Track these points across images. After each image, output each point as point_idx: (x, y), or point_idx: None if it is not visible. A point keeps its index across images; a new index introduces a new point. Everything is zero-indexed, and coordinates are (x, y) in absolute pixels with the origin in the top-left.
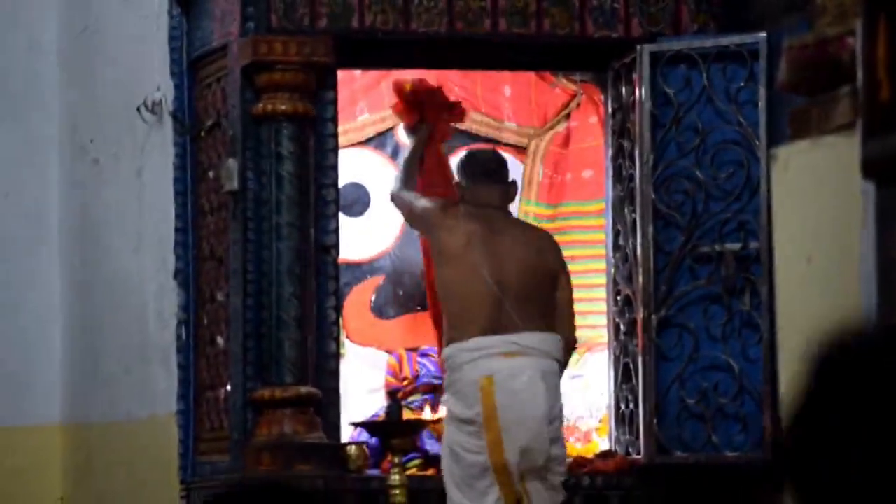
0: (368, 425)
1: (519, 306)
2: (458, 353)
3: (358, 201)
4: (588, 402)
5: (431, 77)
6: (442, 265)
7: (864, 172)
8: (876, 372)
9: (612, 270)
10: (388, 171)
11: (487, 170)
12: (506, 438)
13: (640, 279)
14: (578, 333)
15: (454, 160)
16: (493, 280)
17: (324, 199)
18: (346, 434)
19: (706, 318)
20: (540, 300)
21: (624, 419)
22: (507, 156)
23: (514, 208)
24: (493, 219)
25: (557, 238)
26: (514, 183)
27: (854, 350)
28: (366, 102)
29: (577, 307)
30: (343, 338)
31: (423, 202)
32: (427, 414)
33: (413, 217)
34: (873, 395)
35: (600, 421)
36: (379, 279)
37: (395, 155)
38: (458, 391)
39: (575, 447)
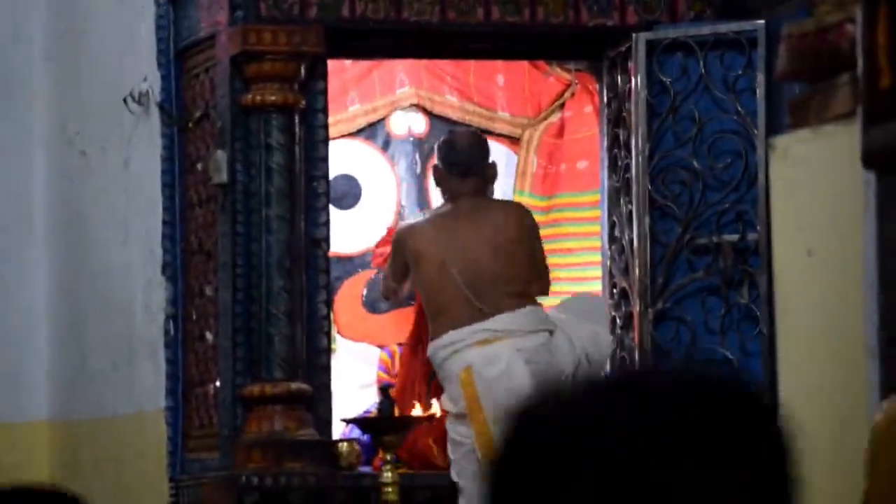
0: (360, 422)
1: (489, 291)
2: (436, 350)
3: (349, 193)
4: None
5: (423, 66)
6: (415, 272)
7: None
8: (569, 430)
9: (608, 263)
10: (379, 163)
11: (461, 163)
12: (493, 427)
13: (637, 271)
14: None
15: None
16: (459, 270)
17: (314, 192)
18: (338, 431)
19: (704, 311)
20: (512, 277)
21: None
22: (501, 147)
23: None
24: (459, 210)
25: (552, 230)
26: (492, 166)
27: (551, 407)
28: (356, 93)
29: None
30: (334, 333)
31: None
32: (418, 410)
33: (391, 265)
34: (565, 453)
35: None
36: (370, 273)
37: (386, 146)
38: (445, 388)
39: None
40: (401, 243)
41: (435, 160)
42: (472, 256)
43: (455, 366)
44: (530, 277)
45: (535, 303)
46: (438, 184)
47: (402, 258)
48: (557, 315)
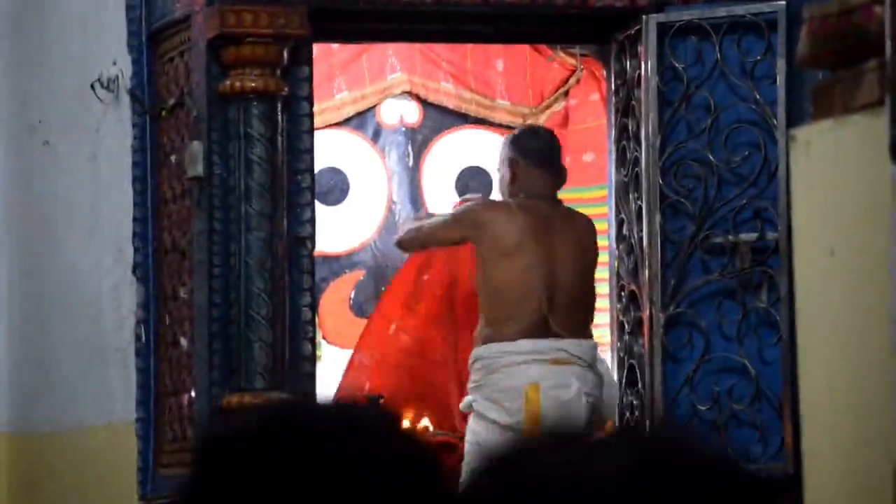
0: None
1: (568, 310)
2: (497, 353)
3: (335, 188)
4: None
5: (416, 51)
6: (491, 263)
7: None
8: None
9: (616, 263)
10: (368, 155)
11: (544, 156)
12: None
13: (646, 273)
14: None
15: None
16: (545, 281)
17: (298, 186)
18: None
19: (719, 316)
20: (585, 303)
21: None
22: (500, 138)
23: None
24: (546, 212)
25: None
26: (564, 168)
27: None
28: (344, 79)
29: None
30: (319, 339)
31: (457, 210)
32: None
33: (448, 228)
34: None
35: (604, 428)
36: (359, 274)
37: (376, 137)
38: (492, 396)
39: None
40: (479, 223)
41: (508, 152)
42: (557, 269)
43: (518, 378)
44: (594, 305)
45: (592, 336)
46: (513, 179)
47: (469, 235)
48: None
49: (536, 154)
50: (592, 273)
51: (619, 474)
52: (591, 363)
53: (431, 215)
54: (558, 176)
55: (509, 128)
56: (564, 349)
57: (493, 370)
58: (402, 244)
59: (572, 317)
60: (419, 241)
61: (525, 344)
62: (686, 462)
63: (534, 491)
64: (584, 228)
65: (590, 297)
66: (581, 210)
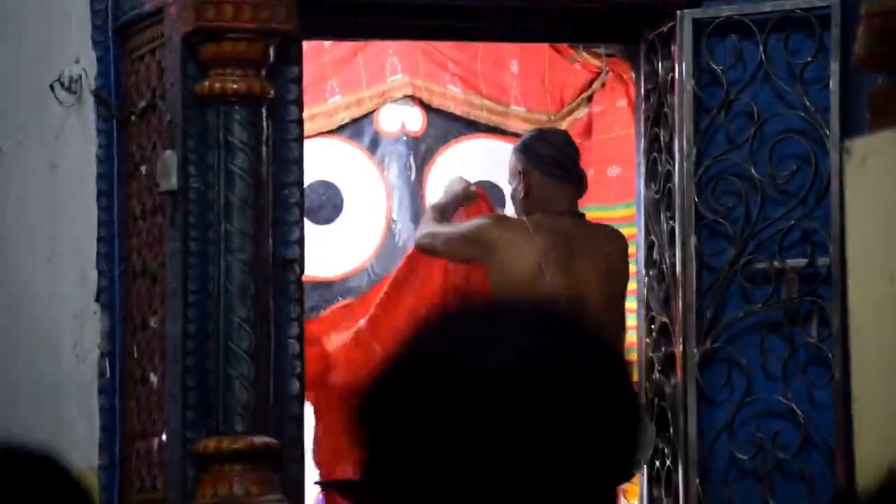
0: (340, 485)
1: None
2: None
3: (327, 204)
4: None
5: (419, 49)
6: (503, 292)
7: None
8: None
9: (645, 292)
10: (365, 167)
11: (561, 164)
12: None
13: (680, 303)
14: None
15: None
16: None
17: (285, 202)
18: (312, 496)
19: (762, 353)
20: (615, 329)
21: (659, 478)
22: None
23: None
24: (567, 231)
25: None
26: (585, 177)
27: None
28: (338, 81)
29: None
30: None
31: (469, 222)
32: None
33: (459, 244)
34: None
35: (630, 480)
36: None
37: (373, 147)
38: None
39: None
40: (488, 243)
41: (518, 162)
42: (589, 298)
43: None
44: (625, 337)
45: None
46: (526, 193)
47: (483, 255)
48: None
49: (552, 162)
50: (623, 299)
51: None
52: None
53: (445, 214)
54: (579, 186)
55: None
56: None
57: None
58: (420, 248)
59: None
60: (431, 249)
61: None
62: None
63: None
64: (613, 247)
65: (620, 328)
66: None
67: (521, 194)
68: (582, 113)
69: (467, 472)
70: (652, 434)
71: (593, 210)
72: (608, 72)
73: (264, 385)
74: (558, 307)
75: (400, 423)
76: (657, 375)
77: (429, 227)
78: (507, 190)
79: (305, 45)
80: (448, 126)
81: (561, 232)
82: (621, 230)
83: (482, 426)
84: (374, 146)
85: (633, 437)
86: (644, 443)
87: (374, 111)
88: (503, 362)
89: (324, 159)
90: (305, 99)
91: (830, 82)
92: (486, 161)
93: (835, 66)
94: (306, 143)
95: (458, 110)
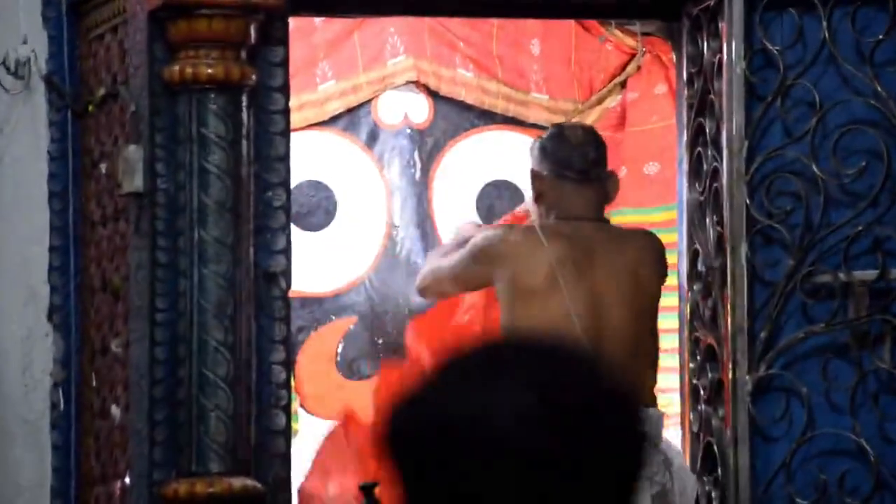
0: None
1: (620, 365)
2: None
3: (318, 208)
4: None
5: (425, 27)
6: (512, 308)
7: None
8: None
9: (687, 309)
10: (362, 165)
11: (579, 166)
12: None
13: (729, 322)
14: None
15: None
16: (587, 330)
17: (269, 206)
18: None
19: (826, 380)
20: (644, 357)
21: None
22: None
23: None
24: (587, 238)
25: None
26: (613, 177)
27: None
28: (330, 64)
29: None
30: (296, 407)
31: (471, 241)
32: None
33: (464, 268)
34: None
35: None
36: (348, 321)
37: (372, 141)
38: None
39: None
40: (498, 258)
41: (531, 163)
42: (604, 312)
43: None
44: (658, 358)
45: (656, 402)
46: (537, 197)
47: (490, 275)
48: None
49: (567, 164)
50: (655, 314)
51: (520, 408)
52: (655, 440)
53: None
54: (604, 188)
55: (548, 129)
56: None
57: None
58: (423, 291)
59: (626, 375)
60: (437, 287)
61: None
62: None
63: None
64: (644, 255)
65: (652, 348)
66: None
67: (533, 199)
68: (614, 101)
69: None
70: (693, 480)
71: (628, 214)
72: (645, 53)
73: (244, 419)
74: (567, 348)
75: (403, 488)
76: (703, 406)
77: (431, 261)
78: (528, 191)
79: (293, 22)
80: (458, 117)
81: (578, 239)
82: (660, 236)
83: (481, 496)
84: (372, 140)
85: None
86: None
87: (372, 100)
88: (501, 430)
89: (314, 156)
90: (293, 86)
91: None
92: (503, 157)
93: None
94: (294, 136)
95: (469, 98)
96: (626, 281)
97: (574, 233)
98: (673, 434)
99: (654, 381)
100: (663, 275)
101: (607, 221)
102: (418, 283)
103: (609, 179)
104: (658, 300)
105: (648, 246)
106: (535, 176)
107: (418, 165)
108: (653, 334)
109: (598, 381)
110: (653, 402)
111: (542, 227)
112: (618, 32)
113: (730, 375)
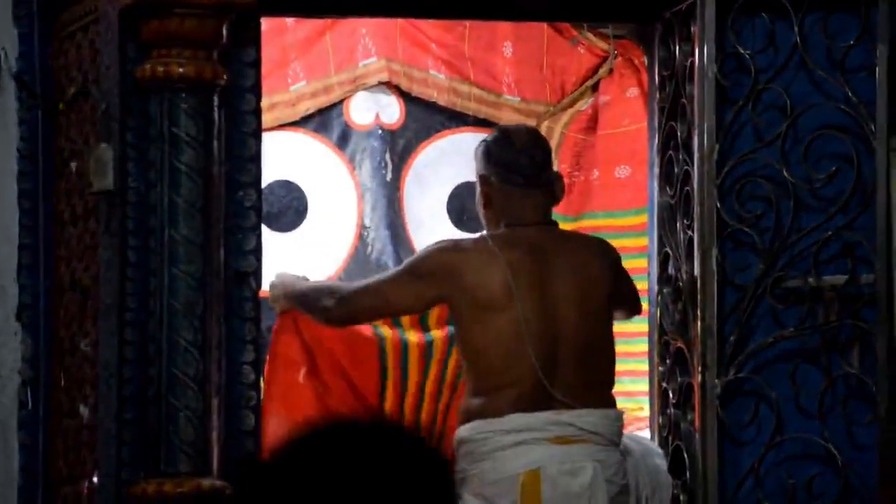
0: None
1: (576, 371)
2: (485, 434)
3: (289, 209)
4: None
5: (397, 28)
6: (468, 321)
7: None
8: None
9: (657, 312)
10: (333, 165)
11: (525, 169)
12: None
13: (698, 326)
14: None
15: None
16: (542, 336)
17: (240, 205)
18: None
19: (795, 385)
20: (600, 359)
21: None
22: None
23: None
24: (537, 243)
25: None
26: (559, 178)
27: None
28: (302, 65)
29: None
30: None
31: (410, 259)
32: None
33: (403, 287)
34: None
35: None
36: None
37: (343, 142)
38: (481, 491)
39: None
40: (445, 272)
41: (477, 168)
42: (559, 316)
43: (513, 462)
44: (614, 358)
45: (615, 403)
46: (486, 203)
47: (439, 291)
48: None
49: (513, 167)
50: (610, 316)
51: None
52: (614, 440)
53: (305, 278)
54: (551, 190)
55: None
56: (572, 423)
57: (479, 457)
58: (334, 319)
59: (583, 379)
60: (356, 313)
61: (518, 419)
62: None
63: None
64: (593, 256)
65: (607, 349)
66: (614, 242)
67: (482, 204)
68: (586, 104)
69: None
70: (668, 482)
71: (599, 217)
72: (617, 56)
73: (214, 419)
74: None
75: None
76: (672, 410)
77: (324, 293)
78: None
79: (265, 22)
80: (430, 118)
81: (528, 246)
82: (631, 239)
83: None
84: (343, 141)
85: None
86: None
87: (343, 100)
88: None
89: (285, 156)
90: (265, 86)
91: (877, 70)
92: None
93: (882, 51)
94: (265, 136)
95: (441, 100)
96: (579, 283)
97: (523, 240)
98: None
99: (612, 382)
100: (615, 277)
101: (556, 224)
102: (326, 311)
103: (556, 181)
104: (611, 299)
105: (600, 248)
106: (484, 181)
107: (390, 166)
108: (609, 338)
109: (402, 466)
110: (610, 402)
111: (493, 236)
112: (590, 35)
113: (699, 379)
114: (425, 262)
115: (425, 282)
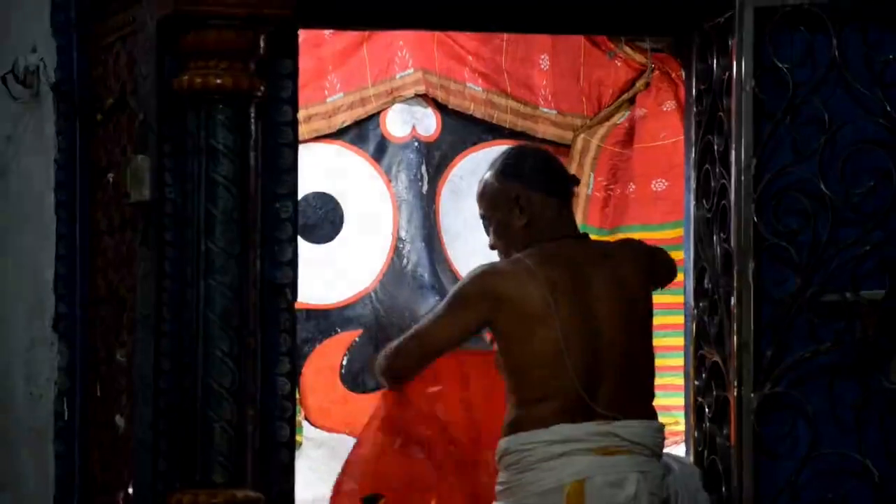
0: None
1: (618, 383)
2: (530, 445)
3: (325, 221)
4: None
5: (434, 41)
6: (510, 337)
7: None
8: None
9: (693, 326)
10: (369, 177)
11: (553, 177)
12: None
13: (735, 340)
14: None
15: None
16: (584, 349)
17: (276, 217)
18: None
19: (832, 399)
20: (641, 370)
21: None
22: None
23: None
24: (576, 256)
25: None
26: (575, 180)
27: None
28: (339, 77)
29: None
30: (300, 419)
31: (457, 289)
32: None
33: (454, 321)
34: None
35: None
36: (353, 334)
37: (379, 154)
38: (525, 502)
39: None
40: (489, 294)
41: (504, 187)
42: (601, 328)
43: (558, 473)
44: (654, 371)
45: (657, 416)
46: (529, 220)
47: (486, 316)
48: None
49: (543, 177)
50: (650, 330)
51: None
52: (657, 451)
53: None
54: (569, 197)
55: (556, 143)
56: (616, 433)
57: (524, 468)
58: (395, 375)
59: (625, 392)
60: (416, 359)
61: (562, 430)
62: None
63: None
64: (629, 268)
65: (648, 363)
66: None
67: (518, 224)
68: (622, 117)
69: None
70: (704, 498)
71: (635, 230)
72: (654, 69)
73: (249, 430)
74: None
75: None
76: (708, 424)
77: (391, 356)
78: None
79: (302, 34)
80: (466, 130)
81: (568, 259)
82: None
83: None
84: (380, 153)
85: None
86: None
87: (380, 112)
88: None
89: (322, 168)
90: (301, 97)
91: None
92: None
93: None
94: (301, 148)
95: (478, 112)
96: (619, 297)
97: (562, 253)
98: (678, 452)
99: (653, 395)
100: (650, 268)
101: (587, 236)
102: (384, 368)
103: (573, 194)
104: (650, 305)
105: (630, 254)
106: (523, 198)
107: (425, 179)
108: (648, 345)
109: None
110: (652, 413)
111: (529, 255)
112: (627, 48)
113: (735, 393)
114: (470, 289)
115: (473, 309)
